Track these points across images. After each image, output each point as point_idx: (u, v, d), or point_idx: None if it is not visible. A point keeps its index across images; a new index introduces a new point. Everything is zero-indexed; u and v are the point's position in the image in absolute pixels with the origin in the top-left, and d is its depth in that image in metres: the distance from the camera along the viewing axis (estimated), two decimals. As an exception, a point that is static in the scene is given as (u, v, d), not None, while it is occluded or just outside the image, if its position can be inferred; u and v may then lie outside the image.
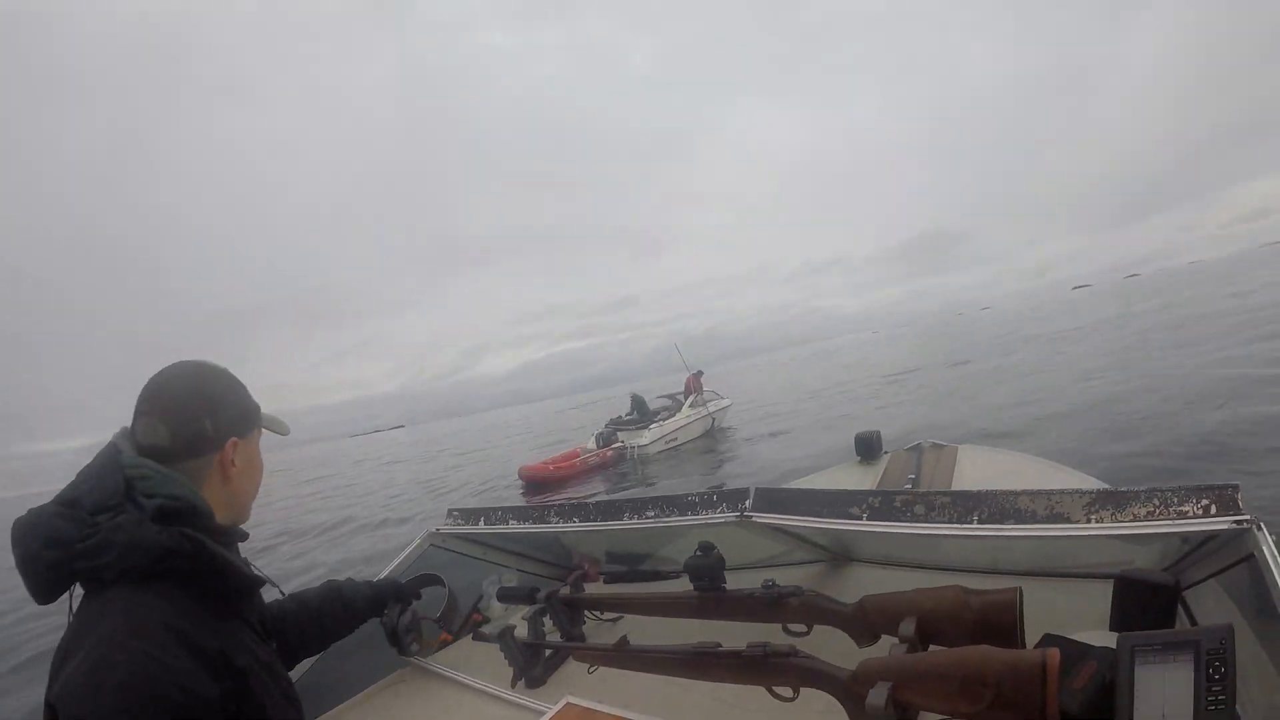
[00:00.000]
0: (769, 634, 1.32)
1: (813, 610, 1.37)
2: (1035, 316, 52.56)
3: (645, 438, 16.85)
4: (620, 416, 19.86)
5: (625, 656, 1.44)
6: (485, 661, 1.85)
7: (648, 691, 1.48)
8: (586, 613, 1.93)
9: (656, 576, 2.29)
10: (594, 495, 12.60)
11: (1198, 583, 1.31)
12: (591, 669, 1.55)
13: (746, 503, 1.62)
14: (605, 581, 2.36)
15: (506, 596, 2.16)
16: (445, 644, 2.18)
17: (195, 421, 0.98)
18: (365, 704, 1.85)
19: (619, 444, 17.04)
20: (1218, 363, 11.26)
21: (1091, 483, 2.01)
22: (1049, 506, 1.18)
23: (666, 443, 17.34)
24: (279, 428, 1.14)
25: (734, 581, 1.56)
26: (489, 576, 2.42)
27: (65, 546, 0.86)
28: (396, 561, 2.25)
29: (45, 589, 0.89)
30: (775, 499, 1.60)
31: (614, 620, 1.98)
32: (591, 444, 17.30)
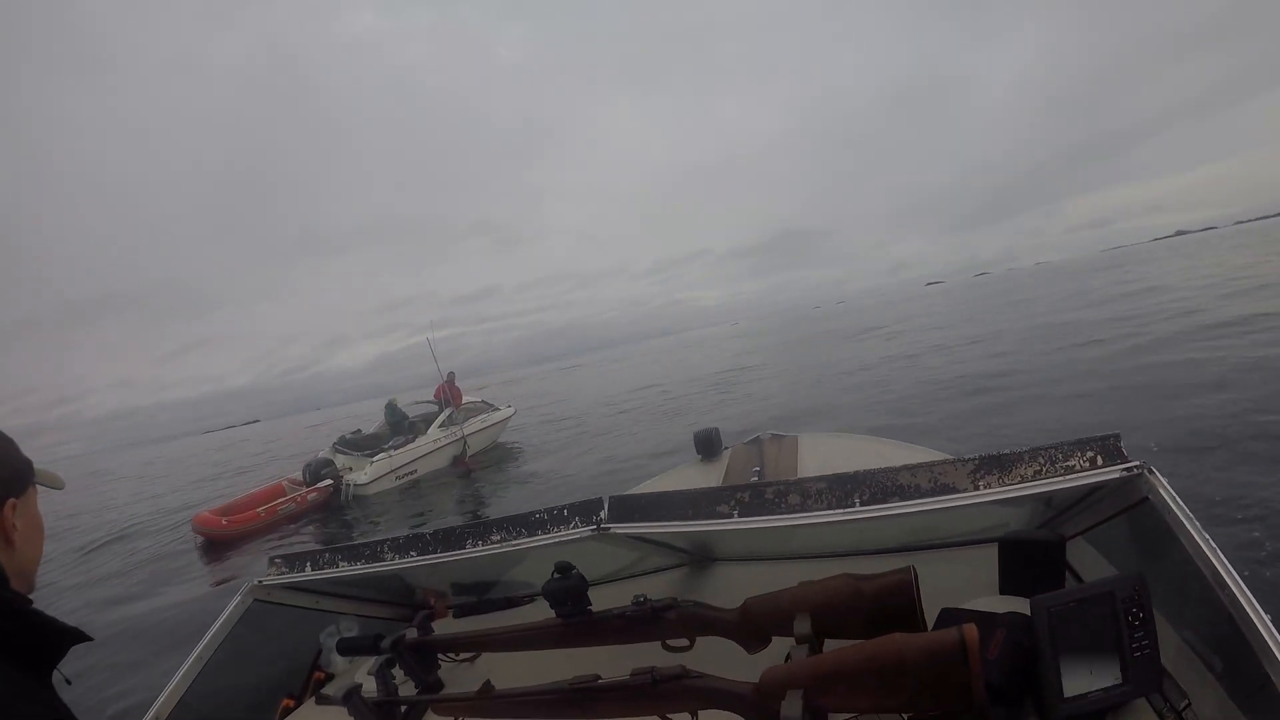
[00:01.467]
0: (648, 654, 1.23)
1: (693, 621, 1.28)
2: (886, 309, 56.60)
3: (364, 474, 12.84)
4: (359, 432, 15.79)
5: (493, 704, 1.28)
6: None
7: None
8: (440, 655, 1.74)
9: (509, 603, 2.14)
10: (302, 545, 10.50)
11: (1078, 534, 1.36)
12: None
13: (601, 514, 1.52)
14: (456, 615, 2.19)
15: (348, 649, 1.91)
16: (288, 710, 1.96)
17: None
18: None
19: (327, 481, 12.97)
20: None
21: (938, 455, 2.09)
22: (932, 479, 1.17)
23: (398, 478, 13.37)
24: (54, 482, 1.01)
25: (597, 601, 1.45)
26: (326, 628, 2.17)
27: None
28: (218, 624, 1.96)
29: None
30: (633, 506, 1.51)
31: (471, 659, 1.80)
32: (299, 476, 13.34)
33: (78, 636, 0.92)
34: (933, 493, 1.15)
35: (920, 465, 1.18)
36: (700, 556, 2.00)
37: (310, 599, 2.16)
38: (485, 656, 1.78)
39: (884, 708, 0.88)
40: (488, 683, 1.31)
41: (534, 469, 13.01)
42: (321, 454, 14.10)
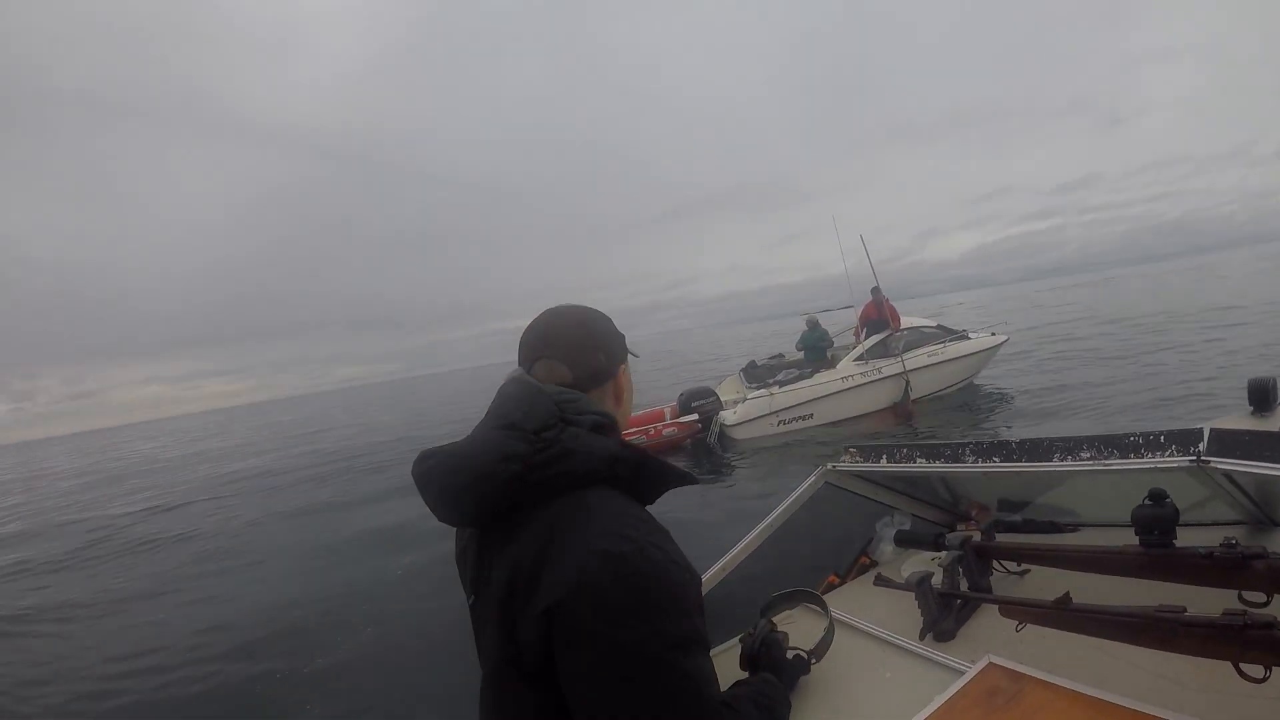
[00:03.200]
0: (1220, 601, 1.17)
1: None
2: None
3: (733, 414, 10.93)
4: (780, 357, 13.41)
5: (1067, 616, 1.31)
6: (883, 608, 1.81)
7: (1076, 657, 1.37)
8: (996, 563, 1.84)
9: (1054, 527, 2.15)
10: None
11: None
12: (1019, 627, 1.43)
13: (1200, 445, 1.42)
14: (1000, 530, 2.28)
15: (907, 540, 2.14)
16: (831, 586, 2.20)
17: (593, 356, 1.09)
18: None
19: (693, 416, 11.19)
20: None
21: None
22: None
23: (781, 423, 10.97)
24: (635, 353, 1.24)
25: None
26: (881, 518, 2.40)
27: (523, 460, 0.91)
28: (790, 499, 2.26)
29: (487, 507, 0.94)
30: (1236, 442, 1.39)
31: (1022, 573, 1.88)
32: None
33: (686, 478, 1.09)
34: None
35: None
36: (1264, 517, 1.78)
37: (873, 489, 2.39)
38: (1036, 573, 1.83)
39: None
40: (1067, 594, 1.33)
41: (1006, 418, 10.30)
42: (714, 387, 12.16)
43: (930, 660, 1.55)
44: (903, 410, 11.46)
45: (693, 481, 1.14)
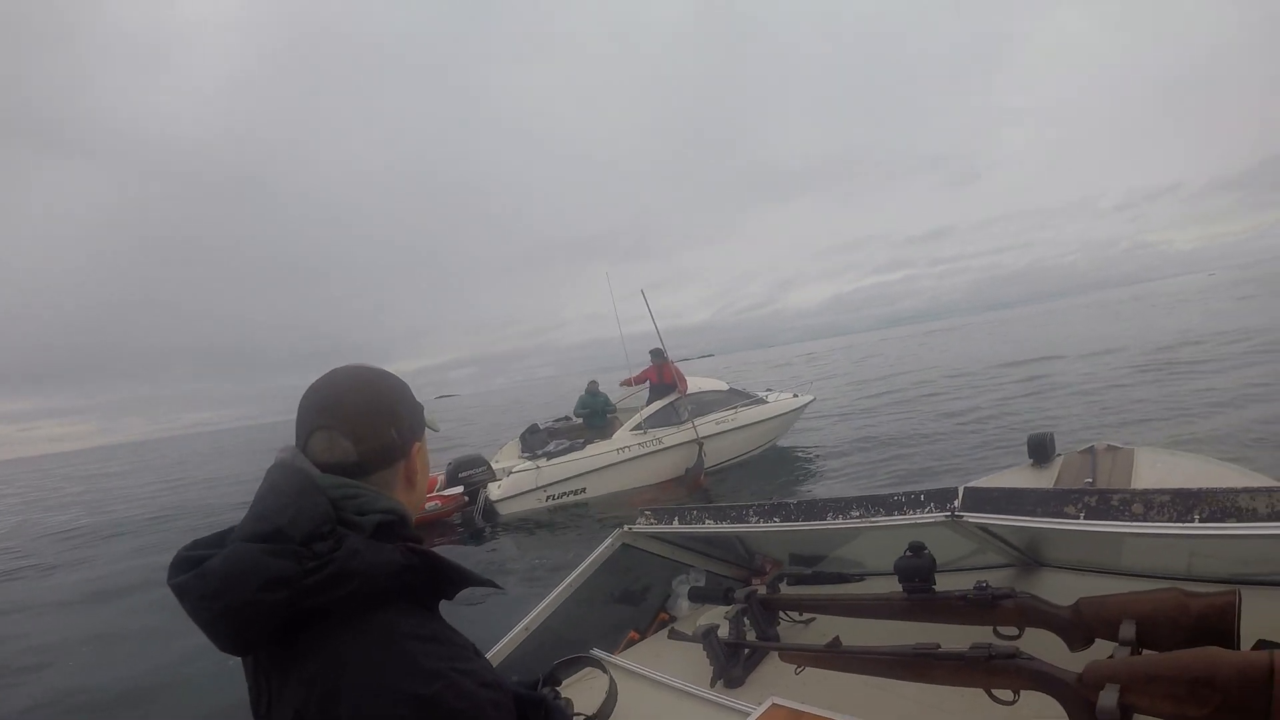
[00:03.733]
0: (978, 637, 1.33)
1: (1027, 613, 1.37)
2: None
3: (498, 488, 9.69)
4: (567, 420, 12.09)
5: (837, 658, 1.46)
6: (678, 660, 1.91)
7: (851, 693, 1.49)
8: (782, 613, 1.98)
9: (841, 579, 2.27)
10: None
11: None
12: (798, 670, 1.58)
13: (955, 503, 1.59)
14: (789, 584, 2.42)
15: (699, 596, 2.24)
16: (632, 642, 2.27)
17: (383, 431, 0.92)
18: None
19: (458, 488, 9.98)
20: None
21: None
22: (1270, 505, 1.14)
23: (549, 498, 9.96)
24: (434, 426, 1.10)
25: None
26: (678, 576, 2.53)
27: (290, 585, 0.76)
28: (588, 561, 2.36)
29: (251, 637, 0.79)
30: (985, 498, 1.57)
31: (806, 622, 2.02)
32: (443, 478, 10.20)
33: (487, 582, 0.96)
34: (1270, 518, 1.12)
35: (1260, 489, 1.15)
36: (1030, 559, 2.02)
37: (670, 549, 2.51)
38: (820, 620, 1.97)
39: (1187, 717, 0.93)
40: (836, 639, 1.49)
41: (804, 479, 10.09)
42: (471, 460, 10.58)
43: (720, 705, 1.65)
44: (693, 480, 10.37)
45: (495, 586, 1.01)
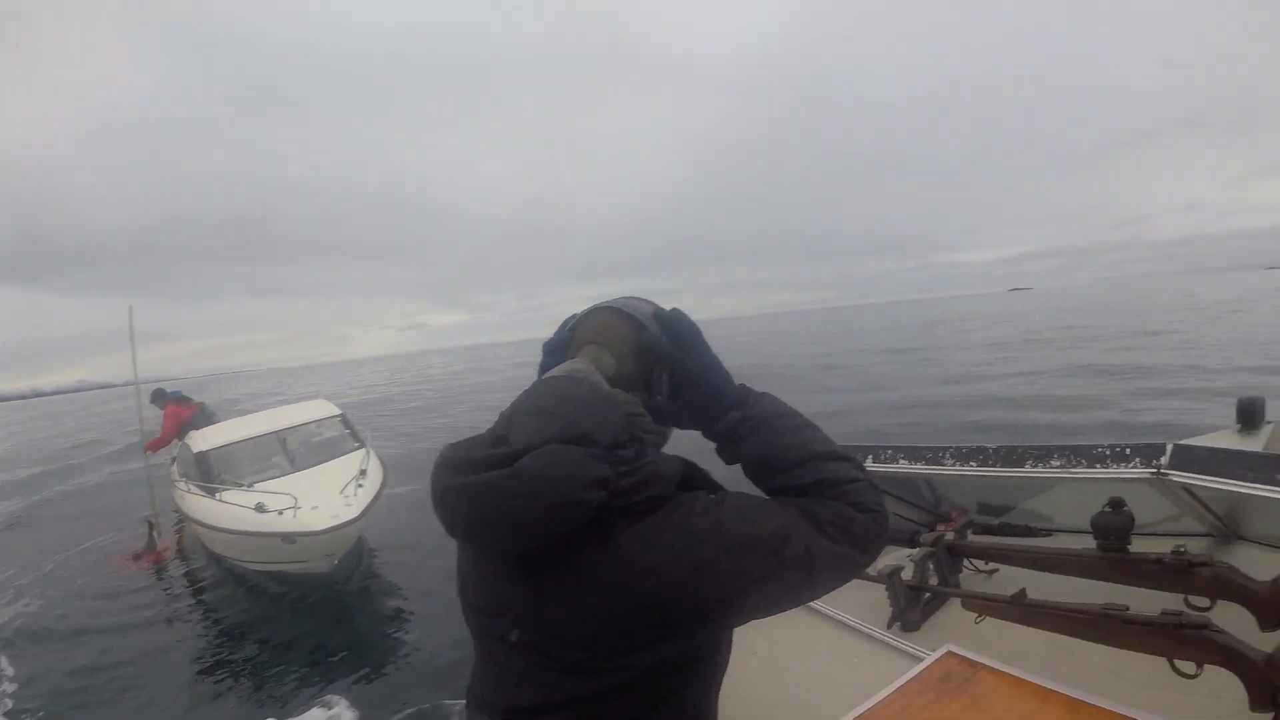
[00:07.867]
0: (1167, 604, 1.30)
1: (1223, 585, 1.32)
2: None
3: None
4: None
5: (1021, 610, 1.46)
6: (855, 598, 1.91)
7: (1028, 650, 1.48)
8: (966, 561, 1.98)
9: (1028, 531, 2.24)
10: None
11: None
12: (979, 619, 1.58)
13: (1163, 459, 1.52)
14: (973, 533, 2.39)
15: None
16: None
17: (643, 358, 1.00)
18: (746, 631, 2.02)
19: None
20: None
21: None
22: None
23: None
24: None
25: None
26: None
27: (607, 485, 0.83)
28: None
29: (563, 534, 0.84)
30: (1194, 457, 1.49)
31: (990, 572, 2.01)
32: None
33: (718, 487, 1.00)
34: None
35: None
36: (1228, 531, 1.90)
37: None
38: (1004, 572, 1.96)
39: None
40: (1023, 590, 1.48)
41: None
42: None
43: (894, 648, 1.70)
44: (149, 554, 7.84)
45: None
